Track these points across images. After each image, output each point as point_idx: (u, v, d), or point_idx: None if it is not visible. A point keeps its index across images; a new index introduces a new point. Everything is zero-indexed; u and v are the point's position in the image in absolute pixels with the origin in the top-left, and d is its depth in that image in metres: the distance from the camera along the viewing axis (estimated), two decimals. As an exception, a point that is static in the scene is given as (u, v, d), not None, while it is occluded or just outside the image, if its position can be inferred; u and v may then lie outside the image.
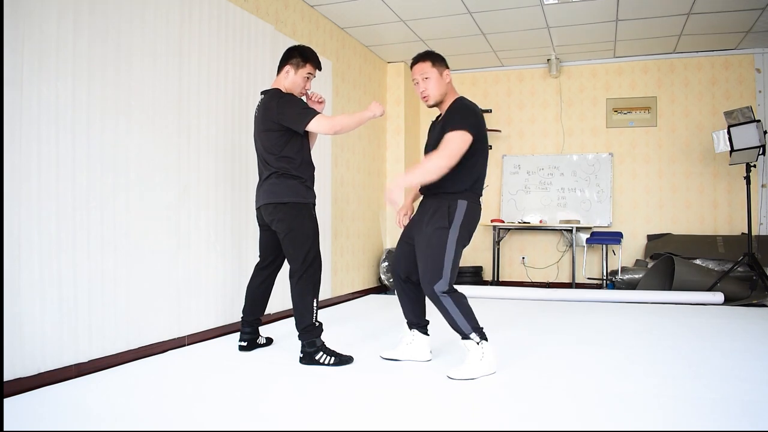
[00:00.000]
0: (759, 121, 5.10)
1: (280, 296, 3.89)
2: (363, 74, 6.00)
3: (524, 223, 6.57)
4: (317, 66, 3.00)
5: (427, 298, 2.84)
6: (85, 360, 2.68)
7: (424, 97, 2.74)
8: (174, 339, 3.23)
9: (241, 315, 3.13)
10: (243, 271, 3.75)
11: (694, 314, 4.44)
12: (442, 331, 3.18)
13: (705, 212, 6.23)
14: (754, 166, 5.47)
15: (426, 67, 2.71)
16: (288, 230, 2.84)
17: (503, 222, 6.61)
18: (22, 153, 2.41)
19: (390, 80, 6.67)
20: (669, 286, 5.43)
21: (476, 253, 6.80)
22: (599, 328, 3.85)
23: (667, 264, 5.52)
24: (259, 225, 3.07)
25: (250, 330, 3.12)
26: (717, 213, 6.18)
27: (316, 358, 2.78)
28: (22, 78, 2.41)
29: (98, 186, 2.77)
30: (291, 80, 2.95)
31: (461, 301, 2.60)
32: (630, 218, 6.46)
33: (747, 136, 5.10)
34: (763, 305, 4.87)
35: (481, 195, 2.73)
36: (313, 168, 2.98)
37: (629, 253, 6.41)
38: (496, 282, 6.63)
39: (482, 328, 2.63)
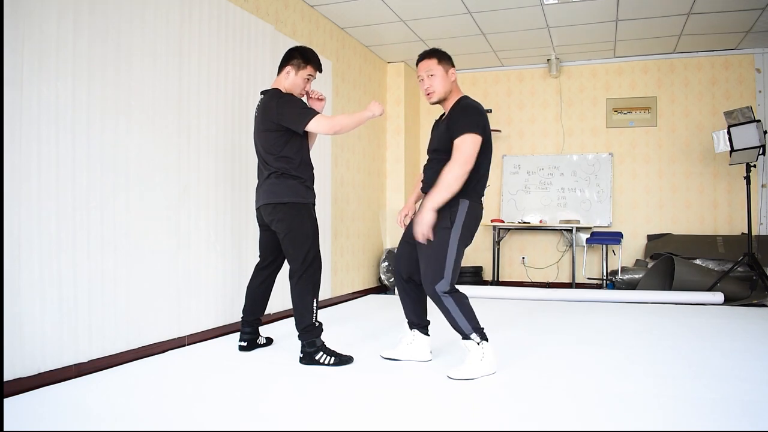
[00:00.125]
0: (759, 121, 5.10)
1: (280, 296, 3.89)
2: (363, 74, 6.00)
3: (524, 223, 6.57)
4: (318, 68, 3.00)
5: (428, 298, 2.85)
6: (85, 360, 2.68)
7: (428, 94, 2.73)
8: (174, 339, 3.23)
9: (241, 315, 3.13)
10: (243, 271, 3.75)
11: (694, 314, 4.44)
12: (443, 331, 3.18)
13: (705, 212, 6.23)
14: (754, 166, 5.47)
15: (432, 64, 2.71)
16: (288, 230, 2.84)
17: (503, 222, 6.61)
18: (22, 153, 2.41)
19: (390, 80, 6.67)
20: (669, 286, 5.43)
21: (476, 253, 6.81)
22: (599, 328, 3.85)
23: (667, 264, 5.52)
24: (259, 225, 3.07)
25: (250, 330, 3.12)
26: (717, 213, 6.18)
27: (316, 358, 2.78)
28: (22, 78, 2.41)
29: (98, 186, 2.77)
30: (291, 81, 2.95)
31: (462, 302, 2.60)
32: (630, 218, 6.46)
33: (747, 136, 5.10)
34: (763, 305, 4.87)
35: (483, 195, 2.72)
36: (312, 168, 2.98)
37: (629, 253, 6.41)
38: (496, 282, 6.63)
39: (483, 328, 2.63)
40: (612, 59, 6.54)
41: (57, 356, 2.54)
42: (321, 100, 3.08)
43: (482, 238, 6.71)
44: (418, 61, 2.77)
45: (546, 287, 5.91)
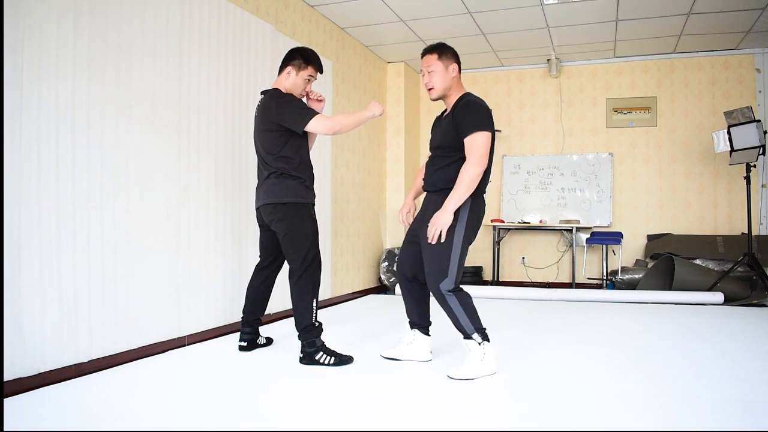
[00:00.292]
0: (759, 121, 5.10)
1: (280, 296, 3.89)
2: (363, 74, 6.00)
3: (524, 223, 6.57)
4: (319, 69, 3.00)
5: (431, 298, 2.85)
6: (85, 360, 2.68)
7: (428, 90, 2.74)
8: (174, 339, 3.23)
9: (241, 315, 3.13)
10: (243, 271, 3.75)
11: (694, 314, 4.44)
12: (443, 331, 3.18)
13: (705, 212, 6.23)
14: (754, 166, 5.47)
15: (432, 59, 2.70)
16: (287, 230, 2.84)
17: (503, 222, 6.61)
18: (22, 153, 2.41)
19: (390, 80, 6.67)
20: (669, 286, 5.43)
21: (476, 253, 6.81)
22: (599, 328, 3.85)
23: (667, 264, 5.52)
24: (259, 225, 3.07)
25: (250, 330, 3.12)
26: (717, 213, 6.18)
27: (316, 358, 2.78)
28: (22, 78, 2.41)
29: (98, 186, 2.77)
30: (292, 81, 2.95)
31: (466, 301, 2.60)
32: (630, 218, 6.46)
33: (747, 136, 5.10)
34: (763, 305, 4.87)
35: (485, 191, 2.72)
36: (311, 168, 2.98)
37: (629, 253, 6.41)
38: (496, 282, 6.63)
39: (485, 329, 2.63)
40: (612, 59, 6.54)
41: (57, 356, 2.54)
42: (320, 101, 3.08)
43: (482, 238, 6.71)
44: (422, 56, 2.77)
45: (546, 287, 5.91)
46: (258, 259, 3.13)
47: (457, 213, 2.57)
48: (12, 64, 2.36)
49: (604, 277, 6.26)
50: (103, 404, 2.24)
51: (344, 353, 2.86)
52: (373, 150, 6.27)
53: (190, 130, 3.39)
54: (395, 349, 2.95)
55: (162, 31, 3.18)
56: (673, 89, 6.38)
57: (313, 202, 2.95)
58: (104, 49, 2.81)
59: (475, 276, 6.62)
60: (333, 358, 2.79)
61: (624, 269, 5.97)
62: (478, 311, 2.63)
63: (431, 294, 2.69)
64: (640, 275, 5.68)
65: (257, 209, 3.00)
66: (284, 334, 3.51)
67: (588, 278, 6.46)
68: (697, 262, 5.57)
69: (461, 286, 2.65)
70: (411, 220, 2.94)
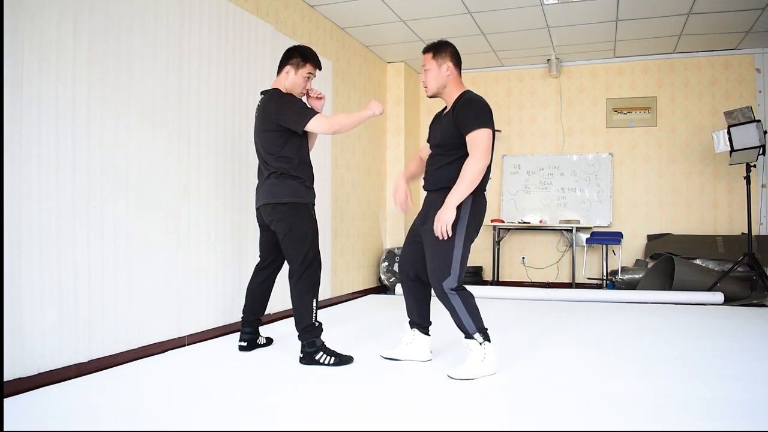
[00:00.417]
0: (759, 121, 5.10)
1: (280, 296, 3.89)
2: (363, 74, 6.00)
3: (524, 223, 6.57)
4: (317, 66, 3.00)
5: (433, 298, 2.85)
6: (85, 360, 2.68)
7: (424, 88, 2.79)
8: (174, 339, 3.23)
9: (242, 315, 3.13)
10: (243, 271, 3.75)
11: (694, 314, 4.44)
12: (443, 330, 3.18)
13: (705, 212, 6.23)
14: (754, 166, 5.47)
15: (427, 58, 2.74)
16: (287, 230, 2.84)
17: (503, 222, 6.61)
18: (22, 153, 2.41)
19: (390, 80, 6.67)
20: (669, 286, 5.43)
21: (476, 253, 6.80)
22: (599, 329, 3.85)
23: (667, 264, 5.52)
24: (259, 225, 3.07)
25: (250, 330, 3.12)
26: (717, 213, 6.18)
27: (316, 358, 2.78)
28: (22, 78, 2.41)
29: (98, 186, 2.77)
30: (291, 80, 2.95)
31: (469, 300, 2.60)
32: (630, 218, 6.46)
33: (747, 136, 5.09)
34: (763, 305, 4.87)
35: (485, 189, 2.72)
36: (311, 168, 2.98)
37: (629, 253, 6.41)
38: (496, 282, 6.63)
39: (487, 329, 2.63)
40: (612, 59, 6.54)
41: (57, 356, 2.54)
42: (320, 98, 3.08)
43: (482, 238, 6.71)
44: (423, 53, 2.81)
45: (546, 287, 5.91)
46: (258, 259, 3.13)
47: (458, 211, 2.58)
48: (12, 64, 2.36)
49: (604, 277, 6.26)
50: (103, 404, 2.24)
51: (344, 353, 2.86)
52: (373, 150, 6.27)
53: (190, 130, 3.39)
54: (395, 349, 2.95)
55: (162, 31, 3.18)
56: (673, 89, 6.38)
57: (313, 202, 2.95)
58: (104, 49, 2.81)
59: (475, 276, 6.62)
60: (333, 358, 2.79)
61: (624, 269, 5.97)
62: (480, 312, 2.64)
63: (434, 293, 2.69)
64: (640, 275, 5.68)
65: (257, 209, 3.00)
66: (284, 334, 3.51)
67: (588, 278, 6.46)
68: (697, 262, 5.57)
69: (464, 285, 2.66)
70: (411, 205, 2.92)
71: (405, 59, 6.55)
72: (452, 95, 2.73)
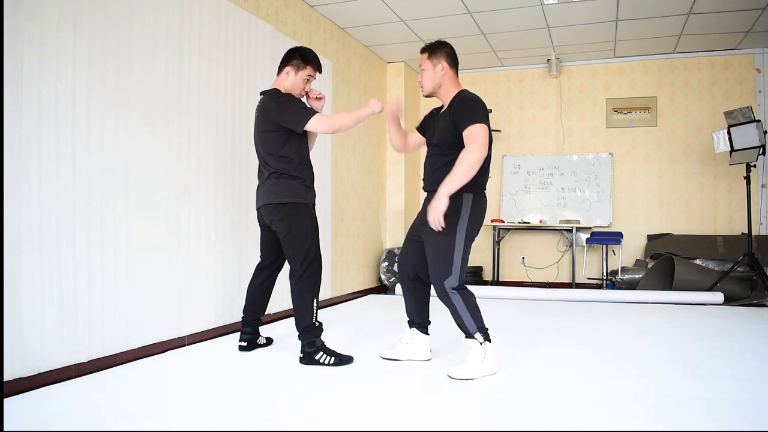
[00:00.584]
0: (759, 121, 5.10)
1: (281, 296, 3.89)
2: (363, 74, 6.00)
3: (524, 223, 6.57)
4: (318, 68, 3.00)
5: (431, 298, 2.85)
6: (85, 360, 2.68)
7: (420, 87, 2.82)
8: (174, 339, 3.23)
9: (242, 315, 3.13)
10: (243, 271, 3.75)
11: (694, 314, 4.44)
12: (443, 330, 3.18)
13: (705, 212, 6.23)
14: (754, 166, 5.47)
15: (423, 58, 2.77)
16: (287, 230, 2.84)
17: (503, 222, 6.61)
18: (22, 153, 2.41)
19: (390, 80, 6.67)
20: (669, 286, 5.43)
21: (476, 253, 6.80)
22: (599, 328, 3.85)
23: (667, 264, 5.52)
24: (260, 225, 3.07)
25: (250, 330, 3.12)
26: (717, 213, 6.18)
27: (316, 358, 2.78)
28: (22, 78, 2.41)
29: (98, 186, 2.77)
30: (291, 81, 2.95)
31: (470, 300, 2.60)
32: (630, 218, 6.46)
33: (747, 136, 5.09)
34: (763, 305, 4.87)
35: (485, 188, 2.73)
36: (311, 168, 2.98)
37: (629, 253, 6.41)
38: (496, 282, 6.63)
39: (487, 329, 2.63)
40: (612, 59, 6.54)
41: (57, 356, 2.54)
42: (320, 99, 3.08)
43: (482, 238, 6.71)
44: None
45: (546, 287, 5.91)
46: (258, 259, 3.13)
47: (459, 210, 2.58)
48: (12, 64, 2.36)
49: (604, 277, 6.26)
50: (103, 404, 2.24)
51: (344, 353, 2.86)
52: (373, 150, 6.27)
53: (189, 130, 3.39)
54: (394, 349, 2.95)
55: (162, 31, 3.18)
56: (673, 89, 6.38)
57: (313, 202, 2.95)
58: (104, 49, 2.81)
59: (475, 276, 6.62)
60: (333, 358, 2.79)
61: (624, 269, 5.97)
62: (481, 311, 2.64)
63: (435, 292, 2.69)
64: (640, 275, 5.68)
65: (258, 210, 3.00)
66: (284, 334, 3.51)
67: (588, 278, 6.46)
68: (697, 262, 5.57)
69: (465, 285, 2.66)
70: (402, 108, 2.94)
71: (405, 59, 6.55)
72: (448, 95, 2.74)
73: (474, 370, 2.55)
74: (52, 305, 2.52)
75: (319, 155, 4.81)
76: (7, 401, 2.21)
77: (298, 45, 3.11)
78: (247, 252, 3.83)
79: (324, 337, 2.92)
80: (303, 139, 2.92)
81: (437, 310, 2.91)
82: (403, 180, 6.59)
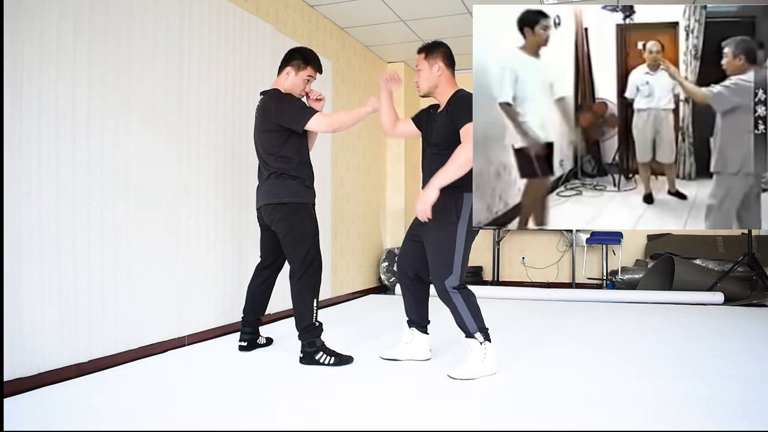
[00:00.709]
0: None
1: (281, 296, 3.89)
2: (363, 74, 6.00)
3: (524, 223, 6.56)
4: (318, 69, 3.00)
5: (431, 298, 2.85)
6: (85, 360, 2.68)
7: (417, 87, 2.81)
8: (174, 339, 3.23)
9: (242, 315, 3.14)
10: (243, 271, 3.75)
11: (694, 314, 4.44)
12: (442, 329, 3.18)
13: (705, 212, 6.21)
14: (754, 166, 5.46)
15: (420, 59, 2.77)
16: (287, 230, 2.84)
17: (503, 222, 6.60)
18: (22, 153, 2.41)
19: (390, 80, 6.65)
20: (669, 286, 5.43)
21: (476, 253, 6.80)
22: (599, 328, 3.85)
23: (667, 264, 5.52)
24: (260, 225, 3.07)
25: (250, 330, 3.12)
26: (717, 213, 6.17)
27: (316, 358, 2.78)
28: (22, 78, 2.41)
29: (98, 186, 2.77)
30: (291, 82, 2.95)
31: (470, 299, 2.60)
32: (630, 218, 6.44)
33: (747, 136, 5.09)
34: (763, 305, 4.87)
35: None
36: (311, 167, 2.98)
37: (629, 253, 6.41)
38: (496, 282, 6.63)
39: (488, 329, 2.63)
40: (612, 59, 6.53)
41: (57, 356, 2.54)
42: (320, 100, 3.08)
43: (482, 238, 6.70)
44: None
45: (546, 287, 5.91)
46: (258, 259, 3.13)
47: (459, 210, 2.58)
48: (12, 64, 2.36)
49: (604, 277, 6.26)
50: (103, 404, 2.25)
51: (344, 353, 2.86)
52: (373, 150, 6.27)
53: (189, 130, 3.39)
54: (394, 349, 2.95)
55: (162, 31, 3.18)
56: (673, 89, 6.37)
57: (313, 202, 2.95)
58: (104, 49, 2.81)
59: (475, 276, 6.62)
60: (333, 358, 2.79)
61: (624, 269, 5.97)
62: (481, 311, 2.64)
63: (435, 292, 2.69)
64: (640, 275, 5.68)
65: (258, 210, 3.00)
66: (284, 334, 3.51)
67: (588, 278, 6.46)
68: (697, 262, 5.57)
69: (465, 284, 2.66)
70: (398, 79, 2.87)
71: (405, 59, 6.55)
72: (445, 95, 2.74)
73: (474, 370, 2.55)
74: (52, 305, 2.52)
75: (319, 155, 4.81)
76: (7, 401, 2.21)
77: (299, 45, 3.12)
78: (247, 252, 3.83)
79: (324, 337, 2.92)
80: (303, 139, 2.92)
81: (437, 309, 2.91)
82: (403, 180, 6.59)
